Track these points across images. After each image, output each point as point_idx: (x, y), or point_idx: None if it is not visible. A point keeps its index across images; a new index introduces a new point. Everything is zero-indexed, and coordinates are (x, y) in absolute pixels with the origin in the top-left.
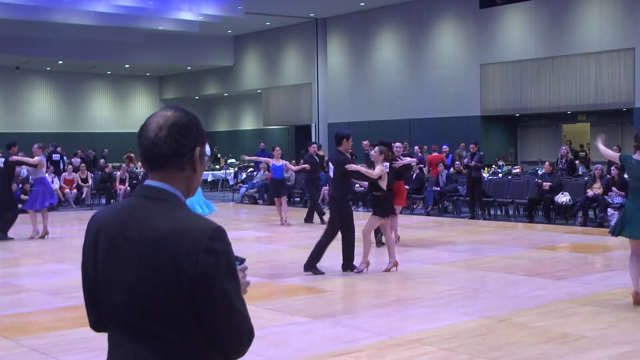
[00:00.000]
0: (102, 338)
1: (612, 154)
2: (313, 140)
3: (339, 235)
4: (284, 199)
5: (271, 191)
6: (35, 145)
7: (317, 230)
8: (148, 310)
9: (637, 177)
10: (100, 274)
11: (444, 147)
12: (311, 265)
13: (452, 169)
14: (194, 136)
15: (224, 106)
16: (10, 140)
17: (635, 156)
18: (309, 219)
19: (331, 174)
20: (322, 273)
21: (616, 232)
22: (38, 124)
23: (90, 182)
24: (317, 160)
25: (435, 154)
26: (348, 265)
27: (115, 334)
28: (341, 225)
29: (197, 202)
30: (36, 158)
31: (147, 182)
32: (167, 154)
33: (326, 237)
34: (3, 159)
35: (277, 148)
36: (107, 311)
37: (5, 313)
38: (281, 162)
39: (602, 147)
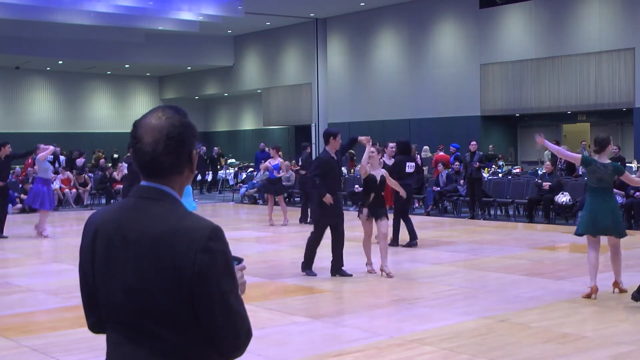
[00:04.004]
0: (102, 338)
1: (570, 155)
2: (313, 140)
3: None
4: (280, 198)
5: (267, 189)
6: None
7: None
8: (147, 310)
9: (600, 179)
10: (98, 275)
11: (452, 147)
12: (306, 266)
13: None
14: (190, 141)
15: (224, 106)
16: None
17: (597, 158)
18: (304, 219)
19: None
20: (315, 274)
21: (588, 230)
22: (38, 124)
23: (90, 182)
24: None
25: (441, 153)
26: (336, 269)
27: (114, 334)
28: (320, 223)
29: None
30: None
31: (144, 182)
32: (167, 166)
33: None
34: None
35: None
36: (105, 311)
37: (5, 313)
38: (277, 161)
39: (551, 145)
